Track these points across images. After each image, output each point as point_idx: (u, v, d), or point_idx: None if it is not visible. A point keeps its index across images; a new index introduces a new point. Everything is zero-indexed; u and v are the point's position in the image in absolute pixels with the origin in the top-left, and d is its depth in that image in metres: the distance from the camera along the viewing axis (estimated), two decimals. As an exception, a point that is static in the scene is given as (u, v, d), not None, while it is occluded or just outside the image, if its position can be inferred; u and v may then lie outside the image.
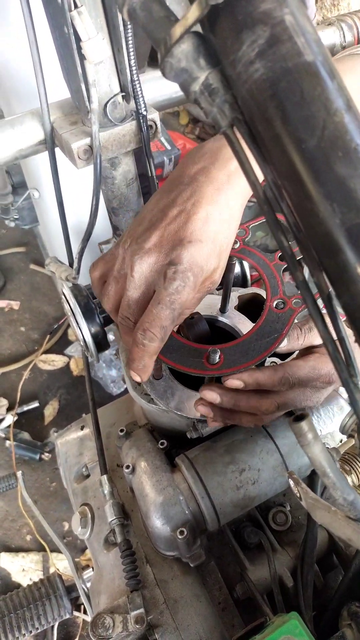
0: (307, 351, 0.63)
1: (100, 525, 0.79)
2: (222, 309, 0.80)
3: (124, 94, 0.70)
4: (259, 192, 0.33)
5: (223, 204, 0.59)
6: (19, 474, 1.16)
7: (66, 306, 0.88)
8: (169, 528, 0.67)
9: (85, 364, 0.94)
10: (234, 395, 0.59)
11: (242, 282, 0.90)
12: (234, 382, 0.56)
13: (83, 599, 0.90)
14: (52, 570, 1.65)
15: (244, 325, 0.80)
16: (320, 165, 0.29)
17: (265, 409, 0.59)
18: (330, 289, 0.32)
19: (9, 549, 1.71)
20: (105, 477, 0.78)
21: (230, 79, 0.32)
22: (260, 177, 0.34)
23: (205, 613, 0.68)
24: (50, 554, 1.67)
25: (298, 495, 0.45)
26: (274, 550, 0.72)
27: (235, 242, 0.70)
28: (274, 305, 0.64)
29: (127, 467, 0.74)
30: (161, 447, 0.76)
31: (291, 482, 0.45)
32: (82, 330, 0.84)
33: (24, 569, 1.66)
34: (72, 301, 0.84)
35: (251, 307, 0.83)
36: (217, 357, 0.60)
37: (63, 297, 0.90)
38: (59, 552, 1.67)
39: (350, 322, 0.32)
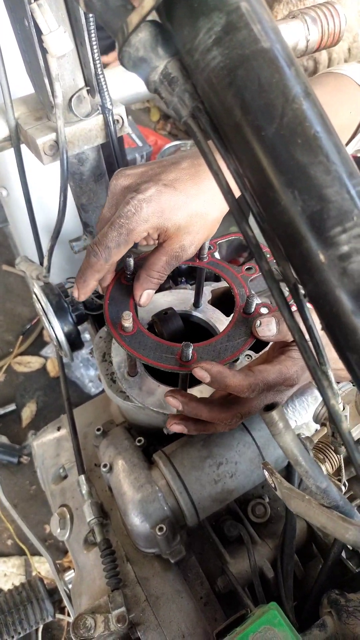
0: (277, 351, 0.63)
1: (80, 526, 0.79)
2: (196, 304, 0.80)
3: (88, 88, 0.69)
4: (222, 183, 0.33)
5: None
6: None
7: (38, 305, 0.87)
8: (148, 525, 0.67)
9: (59, 363, 0.93)
10: (196, 406, 0.59)
11: (215, 276, 0.90)
12: (201, 372, 0.56)
13: (65, 601, 0.90)
14: (34, 574, 1.63)
15: (219, 319, 0.80)
16: (280, 153, 0.29)
17: (228, 422, 0.60)
18: (296, 277, 0.32)
19: (-11, 554, 1.69)
20: (82, 477, 0.77)
21: (189, 67, 0.32)
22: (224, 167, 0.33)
23: (187, 608, 0.68)
24: (31, 558, 1.65)
25: (273, 485, 0.45)
26: (254, 542, 0.72)
27: (203, 255, 0.72)
28: (243, 311, 0.67)
29: (105, 466, 0.73)
30: (138, 444, 0.76)
31: (266, 473, 0.45)
32: (55, 329, 0.83)
33: (6, 574, 1.63)
34: (44, 300, 0.83)
35: (224, 301, 0.83)
36: (190, 354, 0.60)
37: (34, 296, 0.88)
38: (41, 555, 1.65)
39: (316, 310, 0.32)
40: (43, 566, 1.65)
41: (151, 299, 0.68)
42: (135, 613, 0.67)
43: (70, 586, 0.87)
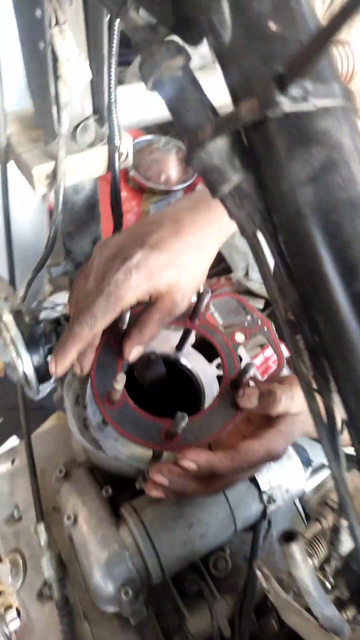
0: (265, 421, 0.62)
1: (33, 577, 0.74)
2: (179, 347, 0.77)
3: (97, 116, 0.64)
4: (282, 315, 0.31)
5: (199, 236, 0.63)
6: None
7: (4, 334, 0.81)
8: (112, 587, 0.64)
9: (20, 394, 0.87)
10: (184, 483, 0.58)
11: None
12: (189, 464, 0.56)
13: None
14: None
15: (201, 367, 0.77)
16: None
17: (213, 493, 0.61)
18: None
19: None
20: (42, 525, 0.72)
21: (269, 191, 0.29)
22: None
23: (144, 672, 0.66)
24: None
25: (268, 591, 0.43)
26: (214, 598, 0.71)
27: (195, 317, 0.70)
28: (230, 384, 0.67)
29: (69, 517, 0.69)
30: (105, 495, 0.72)
31: (261, 578, 0.44)
32: (24, 363, 0.77)
33: None
34: (14, 331, 0.77)
35: (206, 344, 0.81)
36: (182, 425, 0.57)
37: (0, 323, 0.82)
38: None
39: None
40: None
41: (139, 355, 0.66)
42: None
43: (11, 627, 0.82)
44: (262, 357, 1.35)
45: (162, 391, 0.77)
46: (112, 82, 0.61)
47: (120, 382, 0.58)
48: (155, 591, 0.73)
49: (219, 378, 0.73)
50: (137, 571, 0.65)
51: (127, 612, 0.66)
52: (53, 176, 0.63)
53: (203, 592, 0.70)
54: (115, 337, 0.67)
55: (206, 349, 0.80)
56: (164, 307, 0.63)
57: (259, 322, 0.75)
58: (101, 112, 0.64)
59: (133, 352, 0.65)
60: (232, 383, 0.67)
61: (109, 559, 0.65)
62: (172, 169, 2.25)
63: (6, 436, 1.82)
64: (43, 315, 0.82)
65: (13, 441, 1.67)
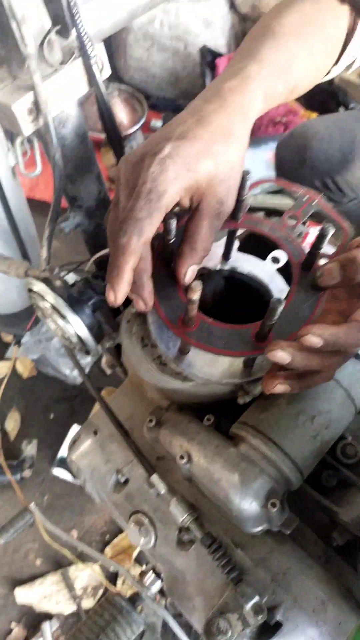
0: (355, 293, 0.58)
1: (165, 529, 0.71)
2: (226, 255, 0.71)
3: (59, 27, 0.56)
4: None
5: (225, 122, 0.57)
6: (32, 506, 1.02)
7: (41, 305, 0.75)
8: (257, 505, 0.61)
9: (75, 363, 0.82)
10: (307, 355, 0.51)
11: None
12: (314, 339, 0.49)
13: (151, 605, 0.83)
14: (76, 584, 1.55)
15: (258, 268, 0.71)
16: None
17: (332, 373, 0.56)
18: None
19: (21, 581, 1.58)
20: (156, 476, 0.69)
21: None
22: None
23: (316, 574, 0.63)
24: (69, 569, 1.56)
25: None
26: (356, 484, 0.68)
27: (238, 214, 0.63)
28: (302, 267, 0.62)
29: (182, 457, 0.65)
30: (208, 423, 0.68)
31: None
32: (75, 326, 0.72)
33: (45, 596, 1.54)
34: (52, 298, 0.71)
35: (252, 244, 0.75)
36: (281, 308, 0.51)
37: (33, 297, 0.76)
38: (76, 563, 1.57)
39: None
40: (80, 574, 1.58)
41: (195, 275, 0.60)
42: (267, 597, 0.62)
43: (152, 590, 0.80)
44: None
45: (225, 308, 0.72)
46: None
47: (196, 290, 0.52)
48: (293, 499, 0.70)
49: (285, 268, 0.67)
50: (275, 481, 0.62)
51: (278, 525, 0.63)
52: (36, 108, 0.56)
53: (345, 481, 0.66)
54: (164, 259, 0.62)
55: (255, 247, 0.75)
56: (210, 208, 0.56)
57: (305, 199, 0.68)
58: (62, 21, 0.56)
59: (188, 274, 0.59)
60: (305, 265, 0.61)
61: (242, 478, 0.61)
62: (120, 112, 2.13)
63: (62, 429, 1.79)
64: (64, 273, 0.77)
65: (76, 430, 1.64)
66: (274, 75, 0.63)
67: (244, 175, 0.58)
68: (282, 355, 0.51)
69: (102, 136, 2.10)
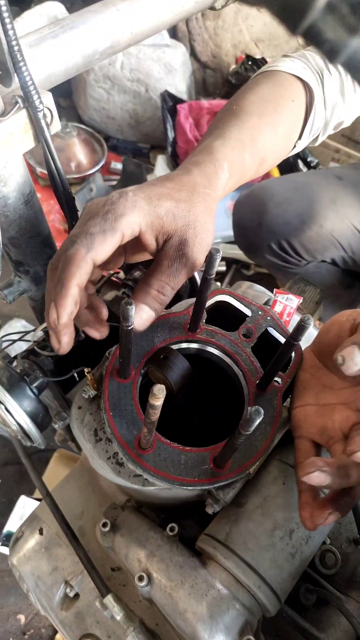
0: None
1: (120, 660, 0.59)
2: (193, 328, 0.63)
3: (-1, 75, 0.47)
4: None
5: (197, 186, 0.57)
6: None
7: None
8: (229, 642, 0.50)
9: (21, 451, 0.70)
10: (345, 467, 0.45)
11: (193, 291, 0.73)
12: (320, 477, 0.44)
13: None
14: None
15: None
16: None
17: None
18: None
19: None
20: (110, 597, 0.57)
21: None
22: None
23: None
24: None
25: None
26: (340, 600, 0.59)
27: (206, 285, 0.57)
28: (257, 387, 0.60)
29: (141, 578, 0.54)
30: (171, 533, 0.58)
31: None
32: (14, 413, 0.61)
33: None
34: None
35: (218, 316, 0.67)
36: (255, 423, 0.43)
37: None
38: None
39: None
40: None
41: (149, 323, 0.55)
42: None
43: None
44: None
45: (192, 388, 0.63)
46: (8, 20, 0.44)
47: (159, 396, 0.43)
48: (269, 620, 0.61)
49: (227, 310, 0.66)
50: (249, 611, 0.52)
51: (252, 661, 0.53)
52: (-30, 169, 0.47)
53: (326, 598, 0.57)
54: (122, 370, 0.58)
55: (217, 320, 0.67)
56: (173, 246, 0.53)
57: (260, 313, 0.66)
58: (3, 67, 0.47)
59: (140, 315, 0.53)
60: (259, 385, 0.59)
61: (211, 609, 0.51)
62: (80, 152, 2.06)
63: (8, 496, 1.62)
64: (6, 345, 0.66)
65: (24, 502, 1.47)
66: (238, 148, 0.64)
67: (213, 253, 0.50)
68: (319, 477, 0.44)
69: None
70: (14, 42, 0.45)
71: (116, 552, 0.60)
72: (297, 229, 1.32)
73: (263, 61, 2.45)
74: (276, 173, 2.02)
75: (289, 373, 0.61)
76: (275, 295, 0.82)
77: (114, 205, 0.49)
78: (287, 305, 0.82)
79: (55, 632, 1.40)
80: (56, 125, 0.53)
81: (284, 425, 0.60)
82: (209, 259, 0.51)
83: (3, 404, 0.60)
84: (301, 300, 0.84)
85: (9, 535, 1.44)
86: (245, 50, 2.69)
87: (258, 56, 2.52)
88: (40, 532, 0.70)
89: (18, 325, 1.84)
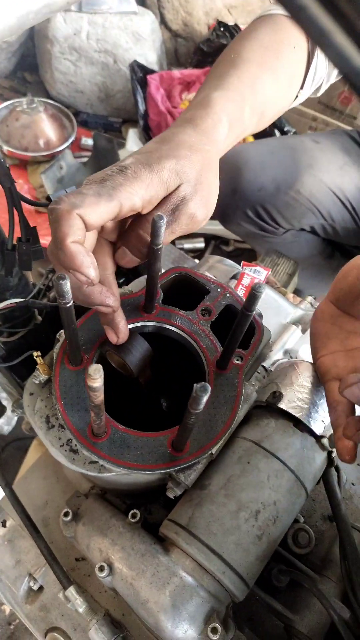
0: None
1: (87, 653, 0.57)
2: (148, 309, 0.60)
3: None
4: None
5: (192, 139, 0.56)
6: None
7: None
8: (194, 632, 0.48)
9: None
10: None
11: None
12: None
13: None
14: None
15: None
16: None
17: None
18: None
19: None
20: (72, 589, 0.55)
21: None
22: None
23: None
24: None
25: None
26: (314, 581, 0.57)
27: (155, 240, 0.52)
28: (216, 366, 0.58)
29: (102, 568, 0.52)
30: (133, 520, 0.55)
31: None
32: None
33: None
34: None
35: (178, 295, 0.64)
36: (204, 402, 0.40)
37: None
38: None
39: None
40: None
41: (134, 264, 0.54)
42: None
43: None
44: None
45: (154, 369, 0.60)
46: None
47: (96, 377, 0.39)
48: (241, 604, 0.58)
49: (188, 285, 0.63)
50: (214, 598, 0.50)
51: (221, 648, 0.51)
52: None
53: (298, 580, 0.55)
54: (73, 356, 0.55)
55: (177, 298, 0.63)
56: (173, 195, 0.52)
57: (219, 290, 0.63)
58: None
59: (122, 255, 0.53)
60: (218, 364, 0.58)
61: (173, 598, 0.48)
62: (48, 129, 1.98)
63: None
64: None
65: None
66: (237, 100, 0.62)
67: (157, 220, 0.46)
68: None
69: (28, 154, 1.93)
70: None
71: (78, 542, 0.57)
72: (272, 195, 1.27)
73: (236, 27, 2.36)
74: (250, 138, 1.95)
75: (250, 350, 0.58)
76: (242, 267, 0.78)
77: (112, 176, 0.48)
78: (254, 277, 0.79)
79: None
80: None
81: (247, 403, 0.57)
82: (153, 226, 0.47)
83: None
84: (269, 272, 0.80)
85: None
86: (218, 17, 2.59)
87: (231, 23, 2.43)
88: (4, 525, 0.67)
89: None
